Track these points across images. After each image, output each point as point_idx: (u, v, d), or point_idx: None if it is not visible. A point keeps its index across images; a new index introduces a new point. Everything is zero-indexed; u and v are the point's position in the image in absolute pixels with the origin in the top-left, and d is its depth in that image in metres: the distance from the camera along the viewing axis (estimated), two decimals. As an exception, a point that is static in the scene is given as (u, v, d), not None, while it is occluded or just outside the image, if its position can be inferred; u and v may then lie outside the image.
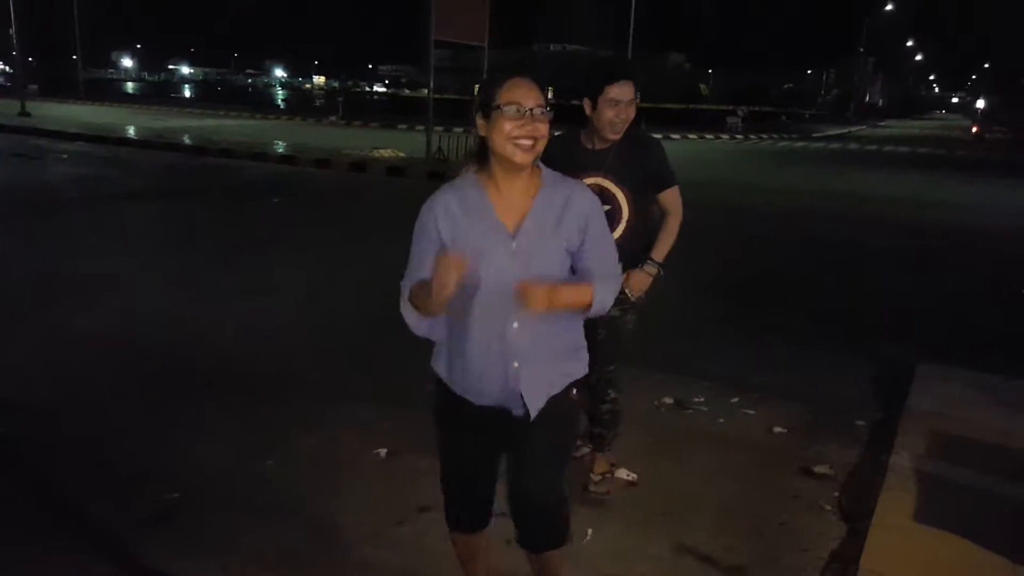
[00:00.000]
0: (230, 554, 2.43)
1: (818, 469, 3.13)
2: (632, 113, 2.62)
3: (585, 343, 1.93)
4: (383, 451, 3.13)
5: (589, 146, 2.72)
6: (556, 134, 2.90)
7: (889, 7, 60.16)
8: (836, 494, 2.95)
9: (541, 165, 1.80)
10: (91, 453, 3.07)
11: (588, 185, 2.56)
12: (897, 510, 2.69)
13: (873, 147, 26.88)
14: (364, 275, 6.22)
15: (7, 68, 78.11)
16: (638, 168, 2.70)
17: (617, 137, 2.65)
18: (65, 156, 13.86)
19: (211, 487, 2.83)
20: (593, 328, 2.07)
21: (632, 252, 2.69)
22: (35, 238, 7.13)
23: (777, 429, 3.52)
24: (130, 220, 8.41)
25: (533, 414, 1.79)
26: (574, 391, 1.90)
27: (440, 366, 1.88)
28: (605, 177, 2.68)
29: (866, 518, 2.66)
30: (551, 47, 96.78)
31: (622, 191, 2.68)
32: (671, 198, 2.80)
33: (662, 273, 2.79)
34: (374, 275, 6.21)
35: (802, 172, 17.17)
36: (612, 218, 2.65)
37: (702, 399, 3.81)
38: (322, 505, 2.74)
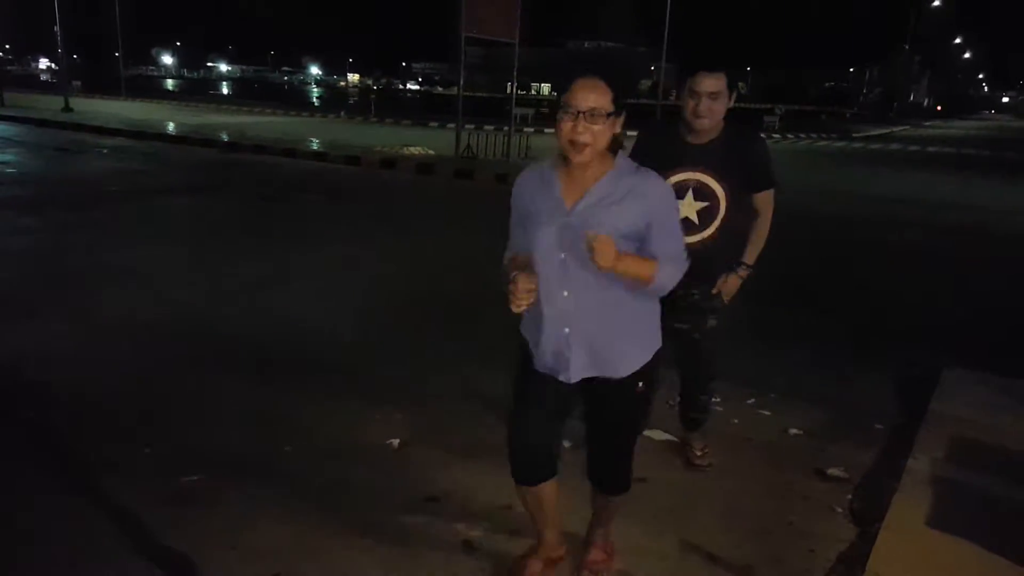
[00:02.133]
0: (244, 536, 2.50)
1: (832, 471, 3.09)
2: (719, 109, 2.54)
3: (655, 333, 2.06)
4: (396, 441, 3.19)
5: (688, 140, 2.64)
6: (649, 126, 2.87)
7: (937, 3, 58.55)
8: (849, 497, 2.92)
9: (621, 155, 1.91)
10: (115, 436, 3.18)
11: (686, 179, 2.61)
12: (910, 514, 2.65)
13: (915, 148, 26.20)
14: (387, 270, 6.30)
15: (52, 65, 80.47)
16: (739, 164, 2.63)
17: (705, 131, 2.58)
18: (105, 151, 14.24)
19: (230, 471, 2.91)
20: (690, 336, 2.21)
21: (725, 251, 2.69)
22: (73, 229, 7.35)
23: (792, 431, 3.49)
24: (166, 213, 8.62)
25: (574, 378, 1.97)
26: (640, 384, 2.03)
27: (523, 328, 2.09)
28: (705, 172, 2.61)
29: (877, 521, 2.63)
30: (585, 44, 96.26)
31: (721, 187, 2.61)
32: (766, 200, 2.75)
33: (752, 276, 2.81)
34: (397, 270, 6.30)
35: (838, 172, 16.86)
36: (710, 215, 2.63)
37: (718, 399, 3.78)
38: (334, 492, 2.80)
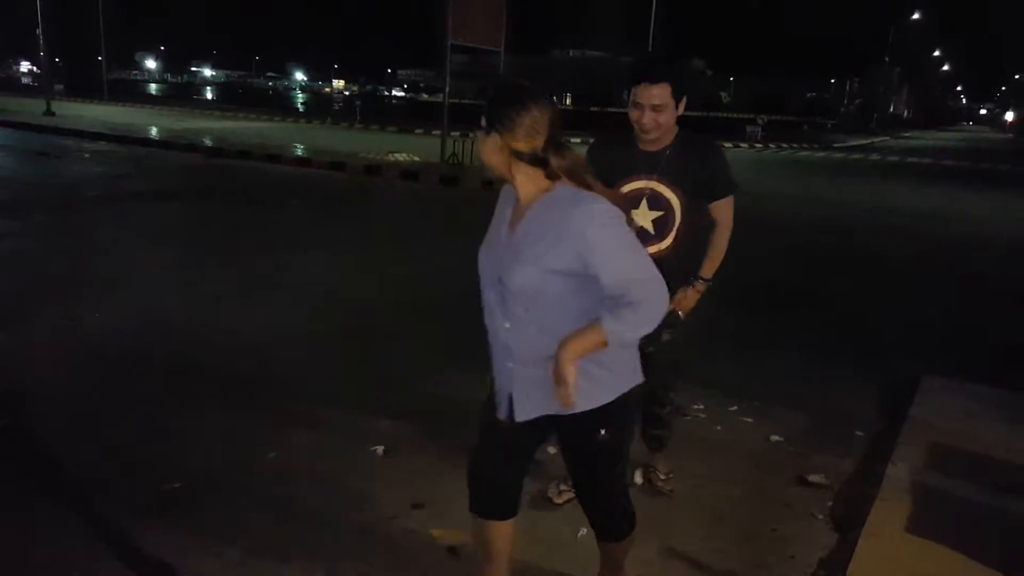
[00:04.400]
0: (227, 543, 2.48)
1: (813, 478, 3.13)
2: (665, 119, 2.43)
3: (622, 370, 1.82)
4: (380, 448, 3.18)
5: (641, 147, 2.55)
6: (601, 134, 2.80)
7: (916, 16, 59.50)
8: (830, 503, 2.95)
9: (562, 181, 1.70)
10: (95, 442, 3.14)
11: (640, 188, 2.52)
12: (889, 520, 2.68)
13: (895, 158, 26.61)
14: (372, 277, 6.29)
15: (35, 68, 79.62)
16: (694, 171, 2.53)
17: (655, 139, 2.49)
18: (87, 155, 14.10)
19: (212, 478, 2.89)
20: (644, 351, 2.02)
21: (681, 264, 2.56)
22: (54, 234, 7.27)
23: (774, 438, 3.52)
24: (147, 218, 8.54)
25: (519, 418, 1.79)
26: (603, 431, 1.81)
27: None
28: (659, 180, 2.52)
29: (858, 527, 2.66)
30: (570, 53, 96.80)
31: (676, 196, 2.52)
32: (725, 209, 2.62)
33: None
34: (381, 277, 6.29)
35: (819, 182, 17.06)
36: (665, 225, 2.53)
37: (701, 406, 3.82)
38: (319, 499, 2.78)
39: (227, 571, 2.36)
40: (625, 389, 1.82)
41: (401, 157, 15.08)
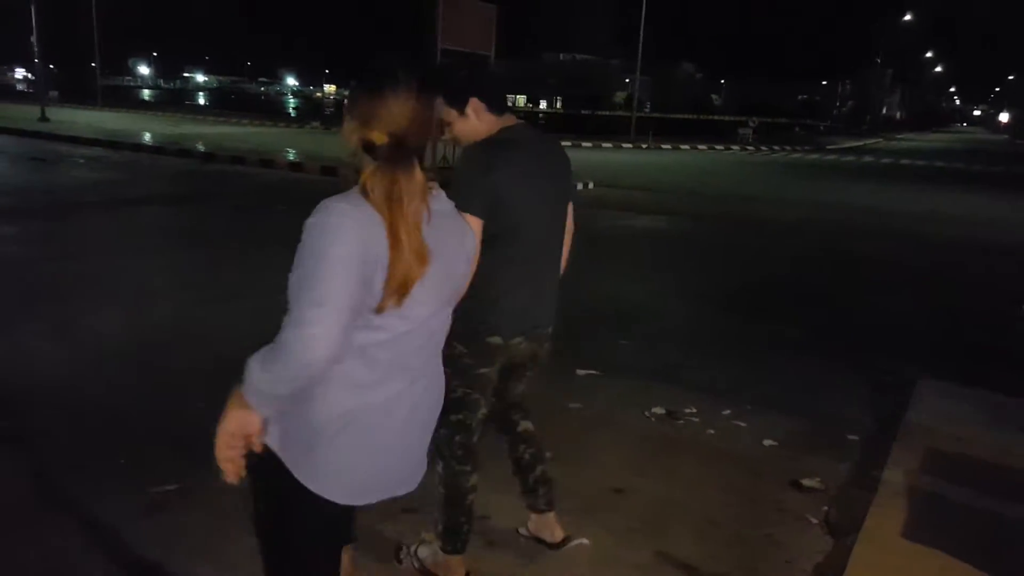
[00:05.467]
0: (219, 547, 2.45)
1: (807, 482, 3.10)
2: (450, 129, 2.17)
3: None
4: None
5: None
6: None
7: (908, 17, 59.73)
8: (824, 508, 2.93)
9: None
10: (88, 447, 3.12)
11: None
12: (886, 525, 2.66)
13: (888, 160, 26.72)
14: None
15: (29, 75, 79.40)
16: None
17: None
18: (82, 161, 14.04)
19: (203, 481, 2.84)
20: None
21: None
22: (50, 239, 7.23)
23: (768, 442, 3.50)
24: (142, 224, 8.51)
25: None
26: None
27: None
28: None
29: (853, 532, 2.64)
30: (560, 56, 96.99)
31: None
32: None
33: None
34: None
35: (812, 184, 17.09)
36: None
37: (694, 410, 3.79)
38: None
39: (221, 573, 2.33)
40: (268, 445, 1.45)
41: (395, 161, 15.04)
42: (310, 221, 1.32)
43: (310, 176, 13.54)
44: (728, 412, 3.80)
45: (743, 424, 3.68)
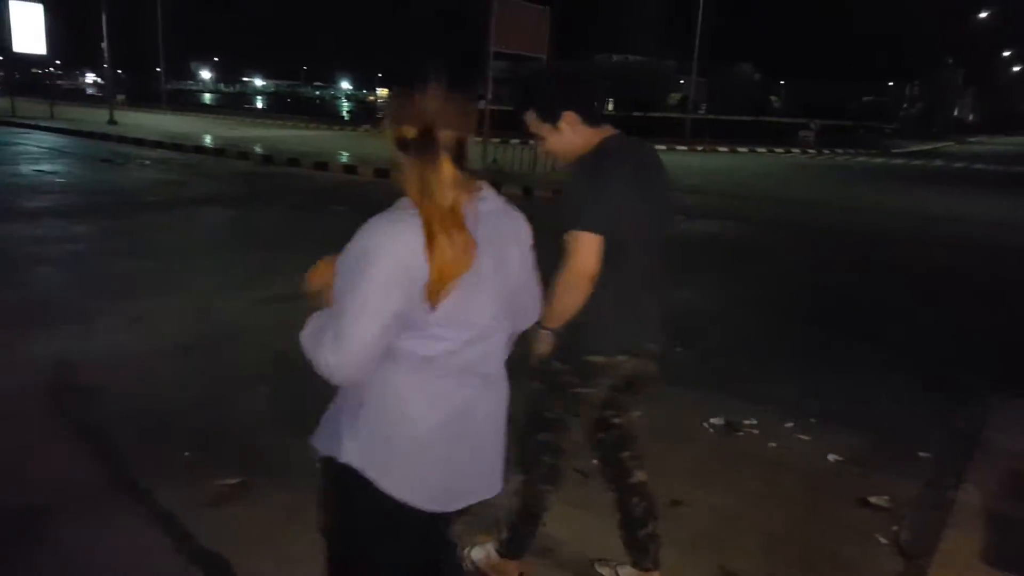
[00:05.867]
0: (281, 541, 2.50)
1: (875, 500, 2.98)
2: (549, 143, 2.06)
3: (331, 417, 1.54)
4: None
5: None
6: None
7: (983, 15, 57.21)
8: (894, 528, 2.81)
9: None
10: (155, 439, 3.22)
11: None
12: (963, 549, 2.54)
13: (960, 165, 25.59)
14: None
15: (98, 79, 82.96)
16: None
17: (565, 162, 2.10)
18: (147, 162, 14.57)
19: (266, 476, 2.92)
20: None
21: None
22: (118, 238, 7.52)
23: (832, 457, 3.38)
24: (204, 223, 8.80)
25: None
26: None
27: None
28: None
29: (927, 555, 2.52)
30: (613, 58, 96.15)
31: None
32: (568, 244, 1.97)
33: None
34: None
35: (878, 190, 16.53)
36: None
37: (754, 422, 3.69)
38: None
39: (281, 569, 2.38)
40: (324, 450, 1.50)
41: (446, 164, 15.13)
42: (350, 245, 1.36)
43: (363, 179, 13.76)
44: (790, 425, 3.69)
45: (806, 437, 3.57)
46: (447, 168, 1.36)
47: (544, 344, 2.05)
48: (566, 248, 1.94)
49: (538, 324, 1.96)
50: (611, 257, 1.95)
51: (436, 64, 1.40)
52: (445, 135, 1.36)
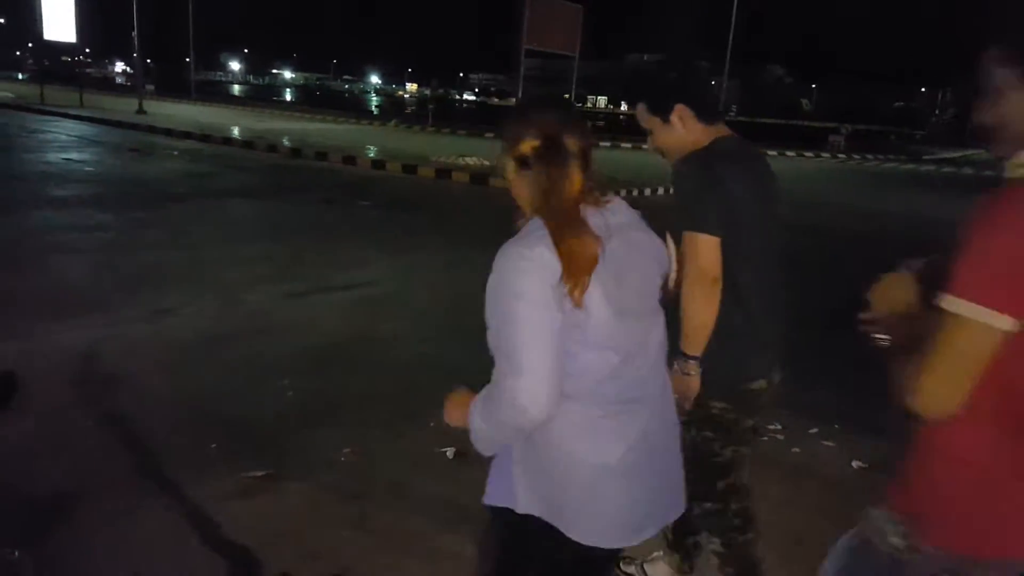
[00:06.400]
0: (306, 534, 2.55)
1: (901, 509, 2.95)
2: (658, 139, 2.00)
3: (502, 471, 1.44)
4: (451, 450, 3.19)
5: None
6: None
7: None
8: (919, 537, 2.78)
9: (532, 221, 1.38)
10: (182, 430, 3.27)
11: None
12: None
13: (991, 173, 25.12)
14: (440, 279, 6.34)
15: (128, 68, 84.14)
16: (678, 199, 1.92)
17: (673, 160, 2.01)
18: (175, 153, 14.78)
19: (292, 469, 2.97)
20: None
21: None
22: (145, 227, 7.64)
23: (857, 463, 3.36)
24: (232, 215, 8.89)
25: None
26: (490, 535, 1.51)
27: None
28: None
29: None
30: (645, 58, 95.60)
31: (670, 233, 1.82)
32: (686, 249, 1.82)
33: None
34: (452, 279, 6.33)
35: (907, 196, 16.31)
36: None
37: (778, 426, 3.68)
38: (393, 498, 2.83)
39: (305, 562, 2.41)
40: (500, 503, 1.42)
41: (471, 161, 15.21)
42: (491, 279, 1.32)
43: (392, 174, 13.84)
44: (815, 431, 3.67)
45: (831, 444, 3.55)
46: (576, 174, 1.34)
47: (694, 378, 1.86)
48: (684, 252, 1.80)
49: (680, 355, 1.84)
50: (738, 268, 1.81)
51: (557, 96, 1.49)
52: (570, 142, 1.35)
